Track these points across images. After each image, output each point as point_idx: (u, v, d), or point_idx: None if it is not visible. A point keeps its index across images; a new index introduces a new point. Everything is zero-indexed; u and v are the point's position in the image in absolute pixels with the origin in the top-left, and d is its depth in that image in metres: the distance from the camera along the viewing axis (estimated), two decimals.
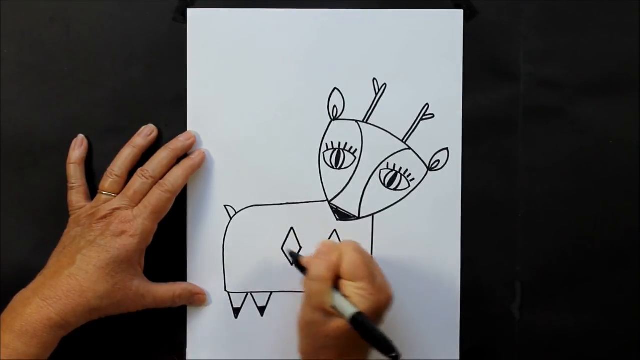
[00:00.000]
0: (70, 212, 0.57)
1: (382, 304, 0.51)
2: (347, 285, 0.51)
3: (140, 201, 0.56)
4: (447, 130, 0.59)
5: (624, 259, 0.60)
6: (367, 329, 0.49)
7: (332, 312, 0.51)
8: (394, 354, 0.47)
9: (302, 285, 0.54)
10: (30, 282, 0.54)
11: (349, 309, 0.50)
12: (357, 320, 0.49)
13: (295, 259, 0.55)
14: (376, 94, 0.59)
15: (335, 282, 0.52)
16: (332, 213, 0.60)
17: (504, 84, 0.59)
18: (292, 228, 0.60)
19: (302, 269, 0.54)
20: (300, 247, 0.60)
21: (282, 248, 0.60)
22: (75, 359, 0.58)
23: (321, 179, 0.60)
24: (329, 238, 0.60)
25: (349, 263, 0.52)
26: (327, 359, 0.52)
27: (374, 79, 0.59)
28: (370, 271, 0.52)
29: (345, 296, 0.51)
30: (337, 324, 0.51)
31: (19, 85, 0.59)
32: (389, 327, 0.60)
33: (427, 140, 0.59)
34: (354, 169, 0.60)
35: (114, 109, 0.59)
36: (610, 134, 0.59)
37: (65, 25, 0.59)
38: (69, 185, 0.58)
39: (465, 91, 0.59)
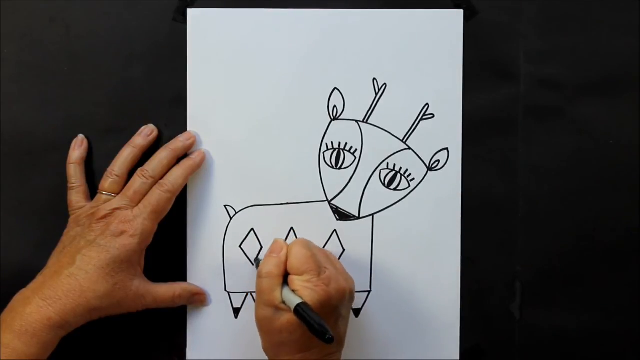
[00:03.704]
0: (70, 212, 0.57)
1: (331, 296, 0.52)
2: (294, 280, 0.53)
3: (140, 201, 0.56)
4: (447, 130, 0.59)
5: (624, 259, 0.60)
6: (305, 317, 0.49)
7: (283, 308, 0.52)
8: (328, 336, 0.48)
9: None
10: (30, 282, 0.54)
11: (295, 301, 0.51)
12: (299, 311, 0.50)
13: (257, 264, 0.58)
14: (376, 94, 0.59)
15: (285, 278, 0.54)
16: (332, 213, 0.60)
17: (504, 84, 0.59)
18: (292, 228, 0.60)
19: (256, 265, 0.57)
20: None
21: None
22: (75, 359, 0.58)
23: (321, 179, 0.60)
24: (329, 238, 0.60)
25: (294, 258, 0.54)
26: (288, 356, 0.53)
27: (374, 79, 0.59)
28: (316, 264, 0.53)
29: (293, 290, 0.52)
30: (287, 317, 0.52)
31: (19, 85, 0.59)
32: (389, 326, 0.60)
33: (427, 140, 0.59)
34: (354, 169, 0.60)
35: (114, 109, 0.59)
36: (610, 134, 0.59)
37: (65, 25, 0.59)
38: (69, 185, 0.58)
39: (465, 91, 0.59)
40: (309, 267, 0.53)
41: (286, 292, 0.53)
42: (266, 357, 0.54)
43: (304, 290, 0.52)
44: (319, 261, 0.54)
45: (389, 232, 0.60)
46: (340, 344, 0.55)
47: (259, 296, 0.54)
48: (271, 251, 0.55)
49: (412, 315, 0.60)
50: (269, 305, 0.53)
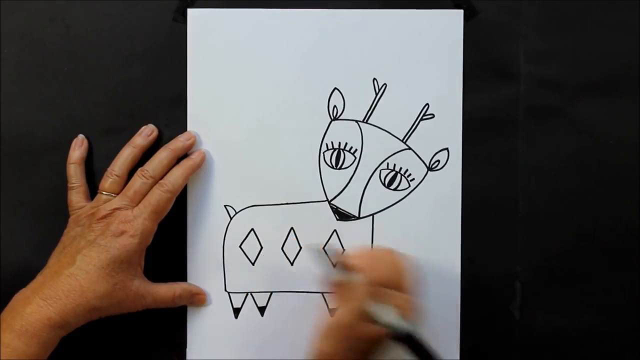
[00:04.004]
0: (70, 212, 0.57)
1: (414, 319, 0.51)
2: (390, 294, 0.51)
3: (140, 201, 0.56)
4: (447, 130, 0.59)
5: (624, 259, 0.60)
6: (420, 347, 0.48)
7: (370, 318, 0.50)
8: None
9: (330, 284, 0.53)
10: (30, 282, 0.54)
11: (395, 321, 0.49)
12: (410, 338, 0.48)
13: (340, 259, 0.54)
14: (376, 94, 0.59)
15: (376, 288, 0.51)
16: (332, 213, 0.60)
17: (504, 84, 0.59)
18: (292, 228, 0.60)
19: (343, 269, 0.53)
20: (301, 247, 0.60)
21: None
22: (75, 359, 0.58)
23: (321, 179, 0.60)
24: (329, 238, 0.60)
25: (395, 272, 0.52)
26: (347, 358, 0.51)
27: (374, 79, 0.59)
28: (412, 283, 0.52)
29: (385, 305, 0.50)
30: (375, 330, 0.50)
31: (19, 85, 0.59)
32: None
33: (427, 140, 0.59)
34: (354, 169, 0.60)
35: (114, 109, 0.59)
36: (610, 134, 0.59)
37: (65, 25, 0.59)
38: (69, 185, 0.58)
39: (465, 91, 0.59)
40: (407, 286, 0.52)
41: (380, 306, 0.50)
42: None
43: (398, 307, 0.50)
44: (412, 279, 0.53)
45: (389, 232, 0.60)
46: None
47: (347, 301, 0.51)
48: (367, 257, 0.53)
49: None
50: (356, 313, 0.50)
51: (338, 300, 0.52)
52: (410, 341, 0.49)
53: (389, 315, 0.50)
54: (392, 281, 0.52)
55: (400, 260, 0.53)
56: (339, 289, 0.52)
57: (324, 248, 0.59)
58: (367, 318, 0.50)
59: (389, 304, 0.51)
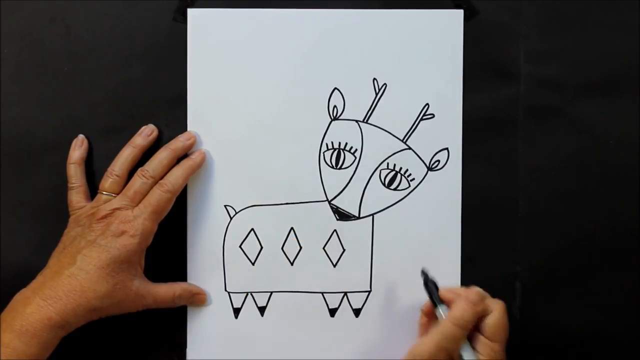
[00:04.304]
0: (71, 212, 0.57)
1: None
2: (482, 343, 0.51)
3: (140, 201, 0.56)
4: (447, 130, 0.59)
5: (624, 259, 0.60)
6: None
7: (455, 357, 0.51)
8: None
9: (422, 320, 0.55)
10: (31, 282, 0.54)
11: None
12: None
13: (436, 290, 0.55)
14: (376, 94, 0.59)
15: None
16: (332, 213, 0.60)
17: (504, 84, 0.59)
18: (292, 228, 0.60)
19: (438, 300, 0.54)
20: (301, 247, 0.60)
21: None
22: (75, 359, 0.58)
23: (321, 179, 0.60)
24: (329, 238, 0.60)
25: (495, 321, 0.52)
26: None
27: (374, 79, 0.59)
28: (506, 336, 0.52)
29: (476, 351, 0.51)
30: None
31: (19, 85, 0.59)
32: (389, 326, 0.60)
33: (427, 140, 0.59)
34: (354, 169, 0.60)
35: (114, 109, 0.59)
36: (610, 134, 0.59)
37: (65, 25, 0.59)
38: (69, 185, 0.58)
39: (465, 91, 0.59)
40: (503, 338, 0.52)
41: (470, 352, 0.51)
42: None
43: (489, 357, 0.51)
44: (508, 334, 0.53)
45: (389, 232, 0.60)
46: None
47: (442, 338, 0.51)
48: (469, 300, 0.52)
49: (412, 315, 0.60)
50: (446, 352, 0.50)
51: (435, 335, 0.52)
52: None
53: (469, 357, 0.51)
54: (488, 330, 0.52)
55: (501, 309, 0.53)
56: (439, 324, 0.52)
57: (324, 247, 0.59)
58: (451, 356, 0.51)
59: (476, 349, 0.52)
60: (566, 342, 0.60)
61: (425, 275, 0.56)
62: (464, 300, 0.52)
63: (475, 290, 0.53)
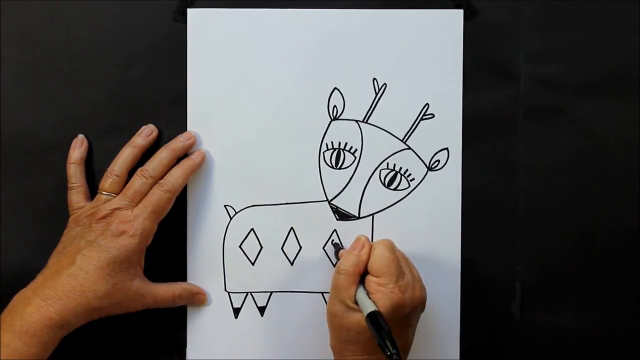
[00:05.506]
0: (70, 212, 0.57)
1: (404, 304, 0.51)
2: (371, 281, 0.52)
3: (140, 201, 0.56)
4: (447, 130, 0.59)
5: (624, 259, 0.60)
6: (377, 327, 0.49)
7: (354, 307, 0.52)
8: (395, 356, 0.47)
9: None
10: (31, 282, 0.54)
11: (368, 306, 0.50)
12: (372, 318, 0.49)
13: (337, 250, 0.58)
14: (376, 94, 0.59)
15: (363, 277, 0.53)
16: (332, 213, 0.60)
17: (504, 84, 0.59)
18: (292, 228, 0.60)
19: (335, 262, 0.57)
20: (300, 247, 0.60)
21: (282, 247, 0.60)
22: (75, 359, 0.58)
23: (321, 179, 0.60)
24: (329, 238, 0.60)
25: (376, 258, 0.53)
26: (353, 355, 0.52)
27: (374, 79, 0.59)
28: (397, 269, 0.52)
29: (368, 292, 0.52)
30: (357, 317, 0.51)
31: (19, 85, 0.59)
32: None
33: (427, 140, 0.59)
34: (354, 169, 0.60)
35: (114, 109, 0.59)
36: (610, 134, 0.59)
37: (65, 25, 0.59)
38: (69, 185, 0.58)
39: (465, 91, 0.59)
40: (389, 271, 0.52)
41: (361, 294, 0.52)
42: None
43: (379, 293, 0.51)
44: (400, 266, 0.53)
45: (389, 232, 0.60)
46: (406, 352, 0.54)
47: (334, 291, 0.54)
48: (352, 247, 0.55)
49: None
50: (341, 302, 0.52)
51: (330, 291, 0.54)
52: (370, 321, 0.49)
53: (362, 299, 0.51)
54: (372, 268, 0.53)
55: (381, 247, 0.54)
56: (332, 279, 0.55)
57: (324, 247, 0.60)
58: (353, 307, 0.52)
59: (367, 290, 0.52)
60: (566, 342, 0.60)
61: (334, 246, 0.59)
62: (347, 249, 0.55)
63: (357, 237, 0.56)
